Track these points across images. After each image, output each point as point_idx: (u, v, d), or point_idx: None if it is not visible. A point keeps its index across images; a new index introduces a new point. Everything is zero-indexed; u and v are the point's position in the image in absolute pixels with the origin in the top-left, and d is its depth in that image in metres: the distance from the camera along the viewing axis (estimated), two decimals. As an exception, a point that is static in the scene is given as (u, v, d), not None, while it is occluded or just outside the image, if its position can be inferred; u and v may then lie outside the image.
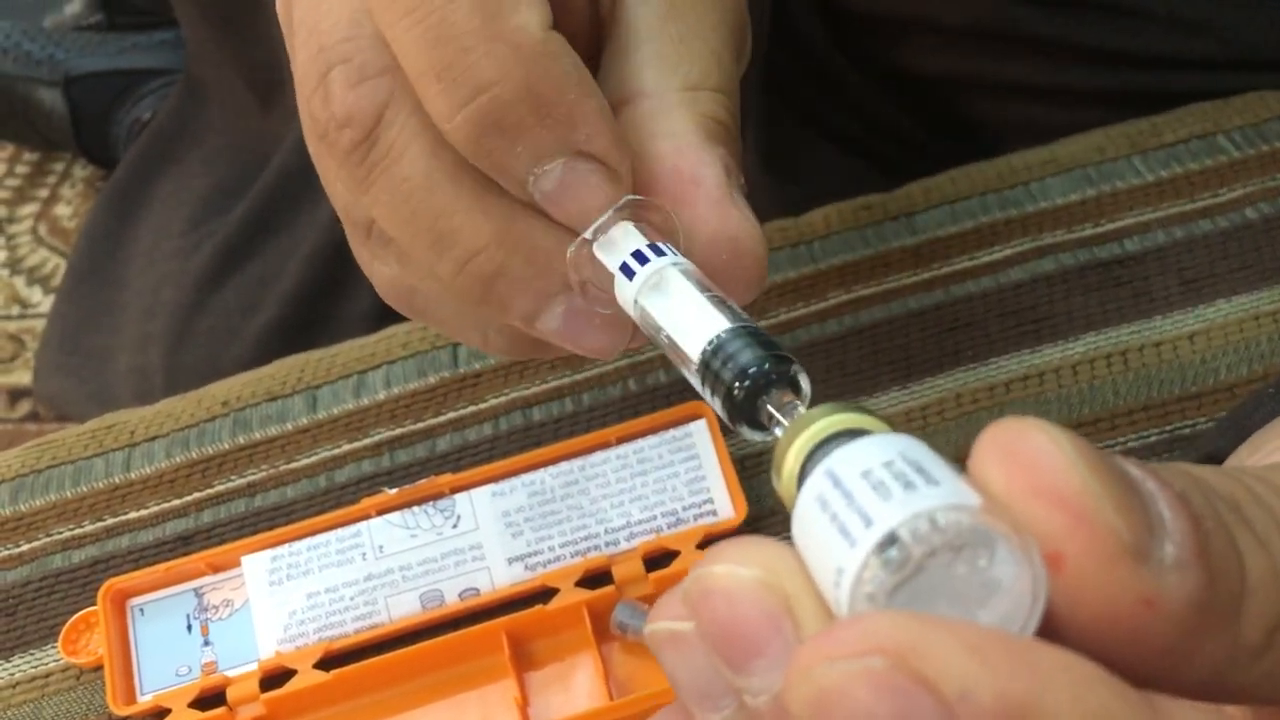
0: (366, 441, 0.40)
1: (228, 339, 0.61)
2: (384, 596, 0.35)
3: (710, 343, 0.23)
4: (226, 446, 0.41)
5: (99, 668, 0.36)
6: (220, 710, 0.34)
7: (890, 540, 0.16)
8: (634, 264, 0.26)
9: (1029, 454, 0.16)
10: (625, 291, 0.26)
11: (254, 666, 0.35)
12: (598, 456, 0.37)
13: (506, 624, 0.34)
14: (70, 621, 0.37)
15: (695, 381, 0.24)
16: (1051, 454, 0.16)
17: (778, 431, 0.22)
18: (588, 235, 0.26)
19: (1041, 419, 0.17)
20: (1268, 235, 0.42)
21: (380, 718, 0.34)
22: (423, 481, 0.37)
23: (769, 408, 0.22)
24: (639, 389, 0.41)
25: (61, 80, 0.98)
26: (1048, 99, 0.54)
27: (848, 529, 0.16)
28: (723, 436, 0.37)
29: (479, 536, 0.36)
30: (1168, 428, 0.38)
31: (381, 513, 0.37)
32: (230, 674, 0.35)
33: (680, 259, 0.26)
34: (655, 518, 0.36)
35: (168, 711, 0.34)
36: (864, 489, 0.16)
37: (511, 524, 0.36)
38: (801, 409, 0.22)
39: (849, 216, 0.45)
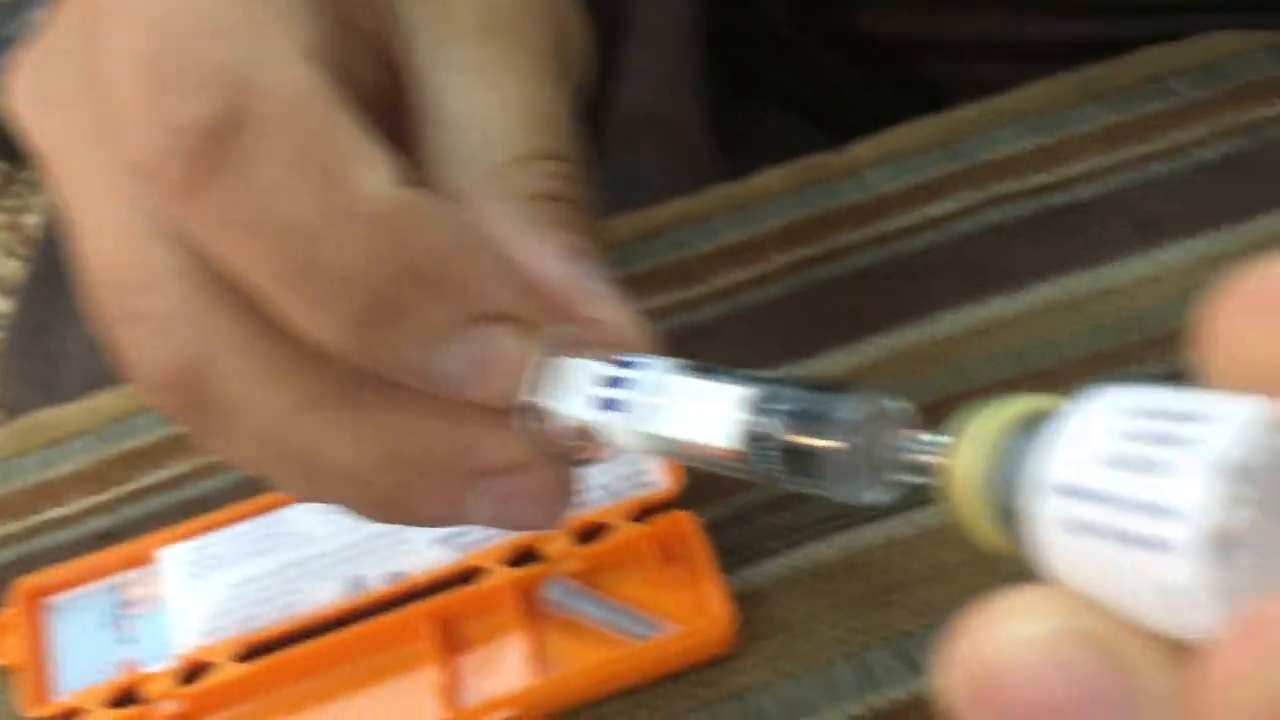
0: (295, 427, 0.39)
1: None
2: (307, 584, 0.34)
3: (766, 419, 0.19)
4: (153, 439, 0.40)
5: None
6: (137, 708, 0.33)
7: (1216, 524, 0.12)
8: (613, 394, 0.21)
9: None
10: (620, 429, 0.22)
11: (174, 661, 0.33)
12: (527, 430, 0.35)
13: (432, 607, 0.33)
14: (-11, 623, 0.35)
15: (758, 472, 0.20)
16: None
17: (911, 478, 0.18)
18: (529, 398, 0.22)
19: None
20: (1221, 177, 0.40)
21: (304, 707, 0.33)
22: (347, 464, 0.36)
23: (891, 454, 0.18)
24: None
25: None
26: (1003, 55, 0.53)
27: (1141, 536, 0.12)
28: (657, 404, 0.36)
29: (404, 518, 0.35)
30: (1122, 375, 0.37)
31: (304, 498, 0.35)
32: (149, 670, 0.33)
33: (657, 360, 0.22)
34: (588, 490, 0.35)
35: (84, 711, 0.33)
36: (1125, 480, 0.12)
37: (438, 504, 0.35)
38: (924, 436, 0.18)
39: (792, 177, 0.44)
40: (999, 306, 0.39)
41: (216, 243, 0.21)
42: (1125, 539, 0.12)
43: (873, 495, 0.18)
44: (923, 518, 0.34)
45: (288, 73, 0.21)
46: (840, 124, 0.58)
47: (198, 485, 0.39)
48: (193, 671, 0.33)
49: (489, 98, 0.24)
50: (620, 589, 0.33)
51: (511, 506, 0.23)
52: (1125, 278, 0.39)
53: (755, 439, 0.20)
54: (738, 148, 0.59)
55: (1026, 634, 0.13)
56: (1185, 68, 0.44)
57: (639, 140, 0.58)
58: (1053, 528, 0.13)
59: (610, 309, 0.23)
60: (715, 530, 0.34)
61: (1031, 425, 0.15)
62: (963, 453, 0.15)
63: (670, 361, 0.22)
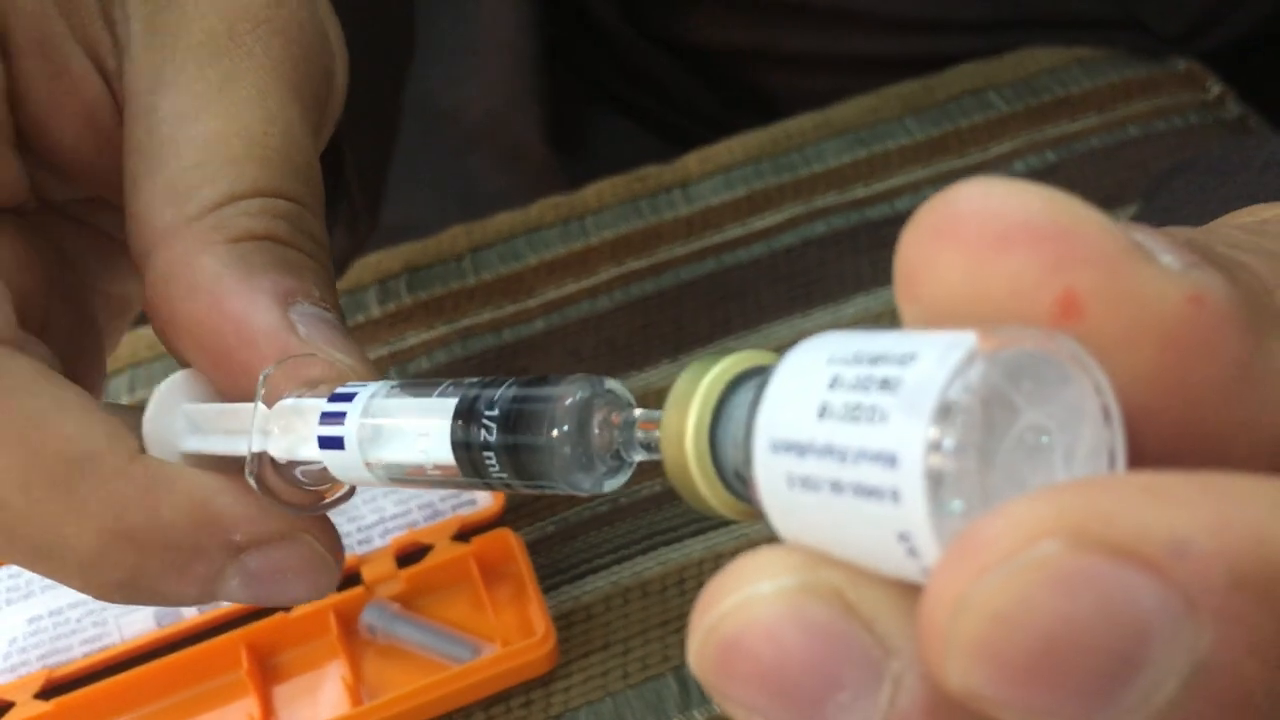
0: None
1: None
2: (114, 616, 0.33)
3: (473, 426, 0.18)
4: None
5: None
6: (-71, 753, 0.31)
7: (928, 467, 0.11)
8: (332, 430, 0.20)
9: (973, 209, 0.12)
10: (347, 464, 0.20)
11: (-31, 702, 0.32)
12: (348, 450, 0.35)
13: (246, 635, 0.32)
14: None
15: (490, 482, 0.19)
16: (992, 193, 0.12)
17: (642, 455, 0.17)
18: (257, 448, 0.21)
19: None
20: (1034, 188, 0.42)
21: (111, 747, 0.32)
22: (159, 489, 0.34)
23: (614, 435, 0.17)
24: (398, 379, 0.39)
25: None
26: (832, 67, 0.53)
27: (857, 485, 0.12)
28: (481, 421, 0.35)
29: (218, 544, 0.33)
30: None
31: (112, 525, 0.34)
32: (-56, 712, 0.32)
33: (370, 386, 0.21)
34: (410, 511, 0.34)
35: None
36: (841, 430, 0.12)
37: (255, 528, 0.34)
38: (638, 412, 0.17)
39: (623, 189, 0.44)
40: (820, 317, 0.39)
41: None
42: (842, 489, 0.12)
43: (612, 481, 0.18)
44: (747, 531, 0.34)
45: None
46: (677, 131, 0.59)
47: None
48: (-9, 712, 0.32)
49: (206, 126, 0.22)
50: (443, 611, 0.33)
51: (271, 583, 0.22)
52: (942, 288, 0.40)
53: (466, 447, 0.19)
54: (575, 154, 0.59)
55: (759, 593, 0.12)
56: (1002, 82, 0.45)
57: (476, 148, 0.58)
58: (774, 485, 0.13)
59: (323, 352, 0.22)
60: (540, 548, 0.34)
61: (744, 381, 0.15)
62: (671, 418, 0.15)
63: (383, 385, 0.21)
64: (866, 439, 0.12)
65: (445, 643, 0.31)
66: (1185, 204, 0.28)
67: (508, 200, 0.45)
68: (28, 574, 0.33)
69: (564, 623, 0.33)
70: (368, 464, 0.20)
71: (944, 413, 0.11)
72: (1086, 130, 0.43)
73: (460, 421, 0.19)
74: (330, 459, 0.20)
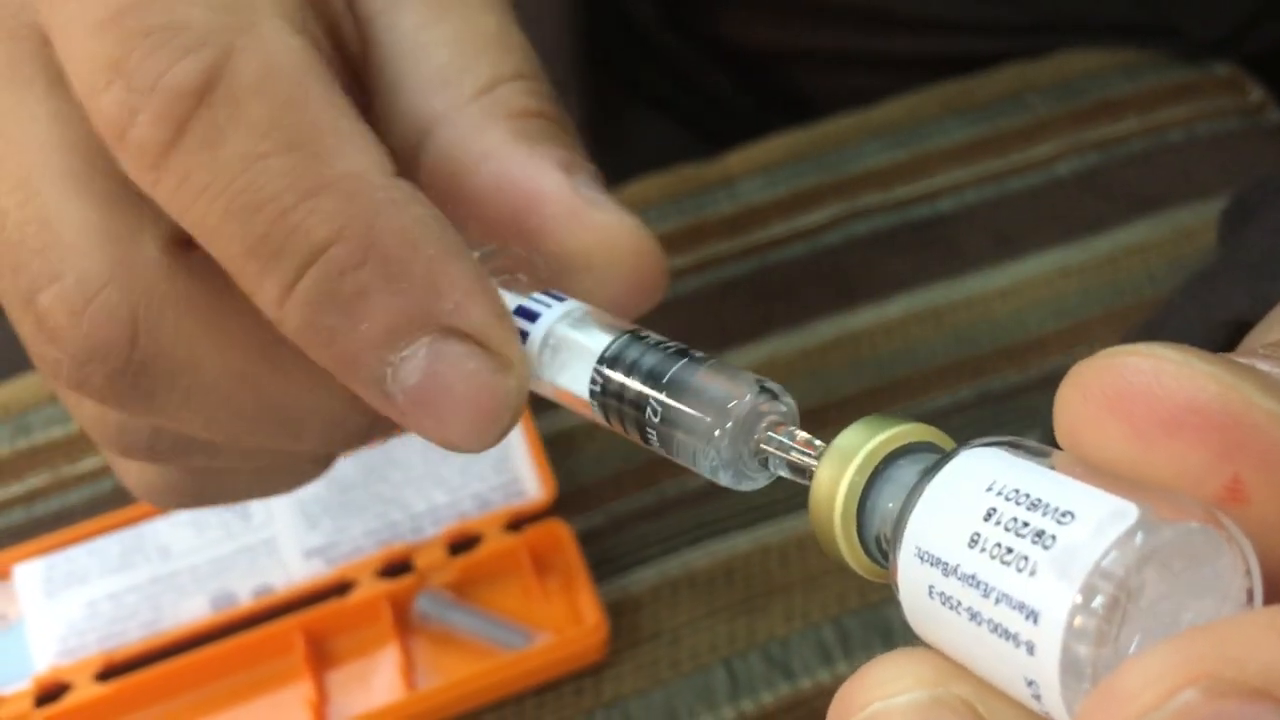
0: (158, 438, 0.38)
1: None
2: (171, 600, 0.33)
3: (636, 379, 0.19)
4: (6, 452, 0.38)
5: None
6: (-9, 733, 0.32)
7: (1074, 652, 0.12)
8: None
9: (1144, 384, 0.13)
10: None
11: (29, 683, 0.32)
12: (399, 440, 0.35)
13: (301, 621, 0.32)
14: None
15: (646, 441, 0.19)
16: (1163, 370, 0.13)
17: (783, 473, 0.18)
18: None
19: (1122, 346, 0.13)
20: (1076, 191, 0.42)
21: (168, 729, 0.32)
22: (213, 476, 0.35)
23: (765, 444, 0.18)
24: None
25: None
26: (868, 67, 0.54)
27: (1007, 630, 0.12)
28: (530, 414, 0.36)
29: (273, 530, 0.34)
30: (980, 384, 0.38)
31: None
32: (4, 692, 0.32)
33: (556, 306, 0.21)
34: (461, 500, 0.34)
35: (-68, 738, 0.32)
36: (988, 567, 0.12)
37: (308, 515, 0.34)
38: (799, 434, 0.17)
39: (665, 187, 0.44)
40: (864, 317, 0.40)
41: (181, 208, 0.20)
42: (980, 620, 0.12)
43: (750, 483, 0.18)
44: (793, 524, 0.35)
45: (275, 41, 0.20)
46: (714, 131, 0.59)
47: (52, 501, 0.37)
48: (50, 692, 0.32)
49: (450, 27, 0.23)
50: (494, 599, 0.33)
51: (434, 396, 0.21)
52: (984, 289, 0.40)
53: (627, 404, 0.19)
54: (610, 152, 0.59)
55: (892, 706, 0.13)
56: (1042, 84, 0.45)
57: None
58: (915, 589, 0.13)
59: (611, 215, 0.23)
60: (589, 539, 0.34)
61: (909, 453, 0.15)
62: (827, 470, 0.15)
63: (571, 308, 0.21)
64: (1012, 585, 0.12)
65: (499, 630, 0.32)
66: None
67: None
68: (86, 559, 0.34)
69: (613, 613, 0.33)
70: (539, 378, 0.20)
71: (1092, 590, 0.12)
72: (1127, 134, 0.43)
73: (631, 382, 0.19)
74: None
